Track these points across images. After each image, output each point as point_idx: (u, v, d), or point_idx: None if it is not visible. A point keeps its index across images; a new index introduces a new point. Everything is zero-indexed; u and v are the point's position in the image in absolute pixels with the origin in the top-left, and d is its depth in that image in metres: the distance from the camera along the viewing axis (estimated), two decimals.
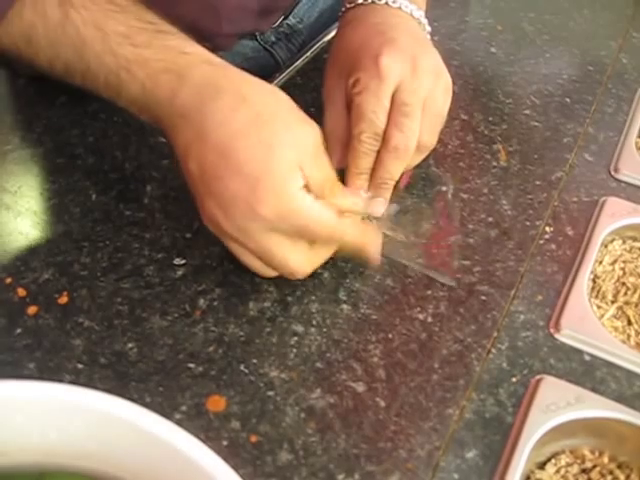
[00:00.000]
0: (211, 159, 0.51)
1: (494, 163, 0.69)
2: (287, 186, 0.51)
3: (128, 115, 0.72)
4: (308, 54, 0.84)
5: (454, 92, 0.76)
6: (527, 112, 0.76)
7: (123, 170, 0.68)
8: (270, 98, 0.54)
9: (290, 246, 0.53)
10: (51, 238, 0.62)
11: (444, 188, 0.66)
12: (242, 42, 0.84)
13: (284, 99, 0.54)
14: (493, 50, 0.86)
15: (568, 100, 0.78)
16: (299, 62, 0.82)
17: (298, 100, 0.55)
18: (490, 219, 0.64)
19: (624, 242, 0.66)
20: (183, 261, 0.60)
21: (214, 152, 0.51)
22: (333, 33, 0.79)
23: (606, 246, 0.65)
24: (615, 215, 0.66)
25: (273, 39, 0.87)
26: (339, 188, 0.55)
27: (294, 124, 0.53)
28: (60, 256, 0.60)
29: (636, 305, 0.61)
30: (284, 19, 0.87)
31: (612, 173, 0.70)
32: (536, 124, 0.75)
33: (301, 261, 0.54)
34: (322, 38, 0.86)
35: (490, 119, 0.75)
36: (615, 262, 0.64)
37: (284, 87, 0.56)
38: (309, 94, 0.75)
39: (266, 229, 0.51)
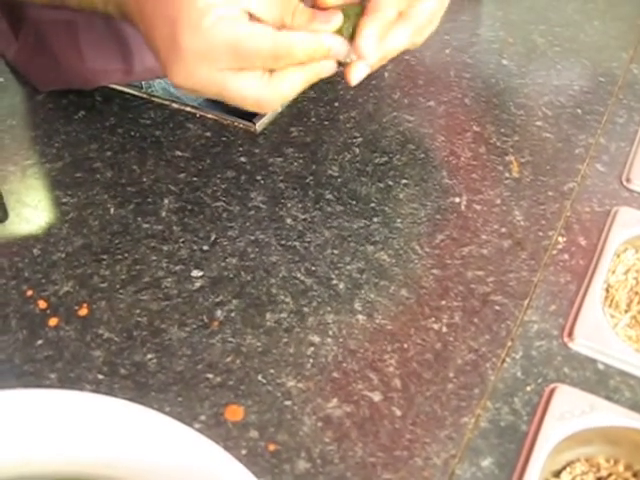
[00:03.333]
0: (150, 17, 0.53)
1: (506, 174, 0.70)
2: (203, 18, 0.50)
3: (145, 129, 0.74)
4: None
5: (466, 104, 0.77)
6: (539, 123, 0.77)
7: (141, 184, 0.69)
8: None
9: (242, 79, 0.52)
10: (71, 251, 0.63)
11: (457, 200, 0.67)
12: None
13: None
14: (504, 62, 0.86)
15: (579, 111, 0.79)
16: None
17: None
18: (503, 230, 0.65)
19: (637, 251, 0.66)
20: (200, 273, 0.60)
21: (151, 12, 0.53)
22: None
23: (619, 256, 0.65)
24: (627, 225, 0.66)
25: None
26: (306, 13, 0.53)
27: None
28: (80, 269, 0.61)
29: None
30: None
31: (624, 183, 0.71)
32: (548, 135, 0.75)
33: (263, 92, 0.53)
34: None
35: (502, 131, 0.75)
36: (628, 271, 0.64)
37: None
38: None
39: (205, 68, 0.51)
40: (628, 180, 0.71)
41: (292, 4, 0.52)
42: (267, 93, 0.53)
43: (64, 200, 0.68)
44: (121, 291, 0.59)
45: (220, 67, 0.51)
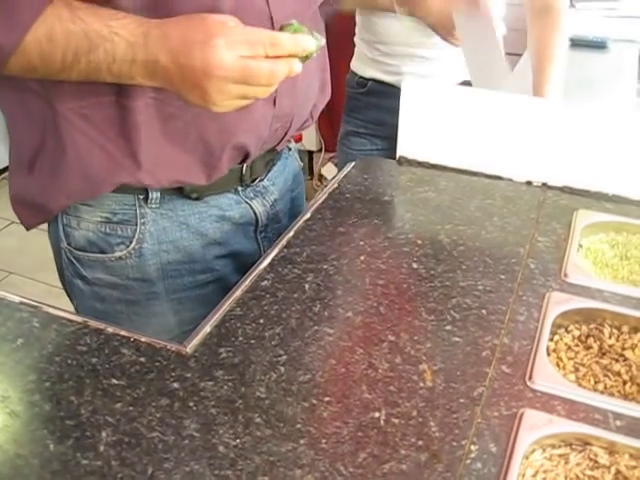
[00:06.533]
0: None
1: (421, 384, 0.76)
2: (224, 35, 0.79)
3: (81, 357, 0.79)
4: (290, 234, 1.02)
5: (381, 313, 0.84)
6: (448, 328, 0.84)
7: (79, 416, 0.73)
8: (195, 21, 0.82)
9: (256, 60, 0.80)
10: None
11: (377, 414, 0.72)
12: (227, 195, 1.06)
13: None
14: (415, 266, 0.95)
15: (484, 312, 0.87)
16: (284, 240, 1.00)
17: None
18: (420, 442, 0.70)
19: (544, 450, 0.72)
20: None
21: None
22: (305, 216, 1.05)
23: (527, 457, 0.71)
24: (533, 427, 0.72)
25: (252, 195, 1.09)
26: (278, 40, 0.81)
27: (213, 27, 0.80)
28: None
29: None
30: (260, 181, 1.10)
31: (527, 383, 0.77)
32: (457, 339, 0.82)
33: (273, 66, 0.81)
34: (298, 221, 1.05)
35: (415, 338, 0.82)
36: (537, 473, 0.70)
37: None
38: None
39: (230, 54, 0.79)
40: (531, 379, 0.78)
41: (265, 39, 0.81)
42: (275, 67, 0.80)
43: (4, 439, 0.71)
44: None
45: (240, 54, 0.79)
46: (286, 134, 1.08)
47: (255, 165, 1.07)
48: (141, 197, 0.99)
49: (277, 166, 1.15)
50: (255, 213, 1.09)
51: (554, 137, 1.15)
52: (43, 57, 0.81)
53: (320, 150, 3.23)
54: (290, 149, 1.21)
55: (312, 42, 0.83)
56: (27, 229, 1.04)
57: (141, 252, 1.01)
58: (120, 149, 0.92)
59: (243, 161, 1.04)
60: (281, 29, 0.84)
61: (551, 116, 1.15)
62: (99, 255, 1.02)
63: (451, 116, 1.19)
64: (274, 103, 1.00)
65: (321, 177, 3.18)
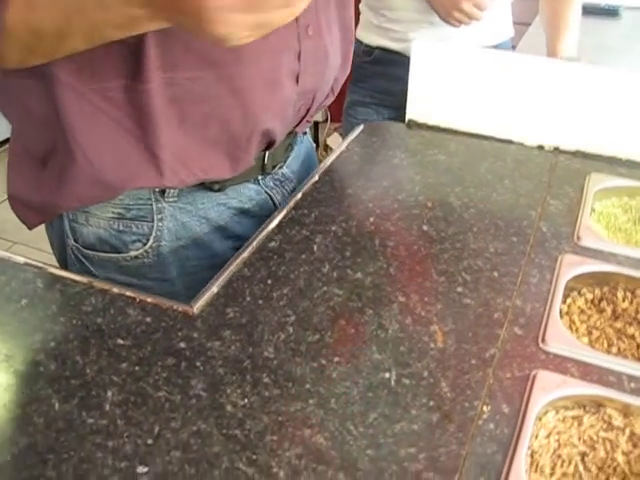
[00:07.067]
0: None
1: (432, 345, 0.75)
2: None
3: (86, 317, 0.78)
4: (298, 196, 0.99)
5: (391, 274, 0.83)
6: (459, 289, 0.83)
7: (84, 376, 0.71)
8: None
9: None
10: (16, 453, 0.64)
11: (387, 375, 0.71)
12: (247, 185, 0.98)
13: None
14: (425, 228, 0.93)
15: (496, 274, 0.85)
16: (292, 202, 0.99)
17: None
18: (431, 403, 0.69)
19: (557, 412, 0.71)
20: (145, 469, 0.63)
21: None
22: (314, 179, 1.02)
23: (540, 419, 0.70)
24: (546, 388, 0.71)
25: (271, 184, 1.02)
26: None
27: None
28: (26, 471, 0.63)
29: (573, 475, 0.66)
30: (279, 168, 1.03)
31: (540, 345, 0.76)
32: (468, 301, 0.81)
33: None
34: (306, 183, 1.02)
35: (426, 299, 0.81)
36: (550, 434, 0.69)
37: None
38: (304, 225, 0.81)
39: None
40: (544, 341, 0.76)
41: None
42: None
43: (8, 397, 0.70)
44: None
45: None
46: (307, 112, 1.00)
47: (277, 151, 1.00)
48: (157, 191, 0.91)
49: (294, 151, 1.07)
50: (275, 204, 1.03)
51: (567, 100, 1.13)
52: (31, 28, 0.68)
53: (326, 120, 3.21)
54: (305, 132, 1.13)
55: None
56: (30, 229, 0.95)
57: (159, 250, 0.93)
58: (136, 151, 0.83)
59: (267, 148, 0.96)
60: None
61: (564, 79, 1.12)
62: (112, 255, 0.93)
63: (462, 79, 1.17)
64: (297, 80, 0.91)
65: (327, 147, 3.16)
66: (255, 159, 0.95)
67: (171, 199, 0.92)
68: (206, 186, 0.93)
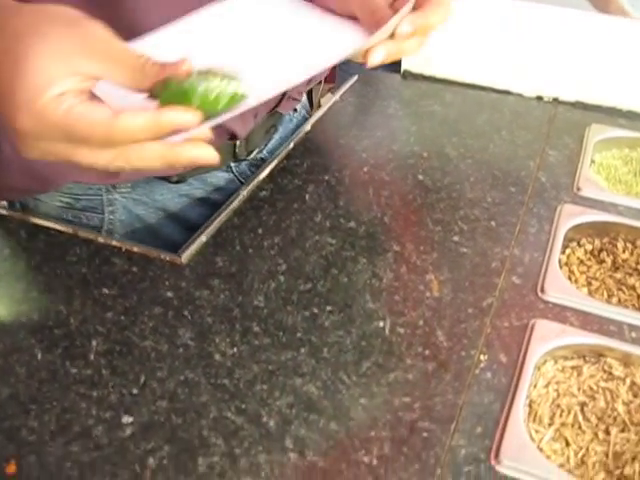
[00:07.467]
0: None
1: (427, 294, 0.72)
2: (36, 99, 0.49)
3: (71, 267, 0.75)
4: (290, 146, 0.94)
5: (385, 223, 0.80)
6: (456, 239, 0.80)
7: (68, 325, 0.69)
8: (30, 17, 0.52)
9: (86, 150, 0.52)
10: None
11: (382, 324, 0.69)
12: (216, 174, 0.90)
13: (50, 12, 0.52)
14: (420, 177, 0.90)
15: (493, 223, 0.83)
16: (283, 152, 0.93)
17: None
18: (427, 352, 0.67)
19: (556, 362, 0.69)
20: (131, 419, 0.60)
21: None
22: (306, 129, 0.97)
23: (539, 368, 0.68)
24: (545, 338, 0.69)
25: (247, 171, 0.94)
26: (155, 67, 0.52)
27: (53, 33, 0.51)
28: (7, 421, 0.61)
29: (572, 425, 0.64)
30: (258, 153, 0.94)
31: (539, 294, 0.74)
32: (465, 250, 0.79)
33: (112, 162, 0.52)
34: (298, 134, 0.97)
35: (421, 248, 0.78)
36: (549, 384, 0.67)
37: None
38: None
39: (43, 144, 0.51)
40: (543, 291, 0.74)
41: (140, 61, 0.52)
42: (116, 162, 0.53)
43: None
44: (50, 443, 0.59)
45: (58, 143, 0.51)
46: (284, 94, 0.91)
47: (253, 135, 0.90)
48: None
49: (279, 132, 0.99)
50: None
51: (566, 50, 1.10)
52: None
53: (319, 82, 3.15)
54: (296, 110, 1.03)
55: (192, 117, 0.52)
56: None
57: None
58: None
59: (232, 139, 0.88)
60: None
61: (564, 27, 1.09)
62: None
63: (458, 28, 1.13)
64: None
65: (320, 108, 3.11)
66: (220, 150, 0.86)
67: (124, 190, 0.86)
68: (163, 177, 0.87)
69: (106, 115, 0.50)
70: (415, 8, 0.63)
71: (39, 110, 0.50)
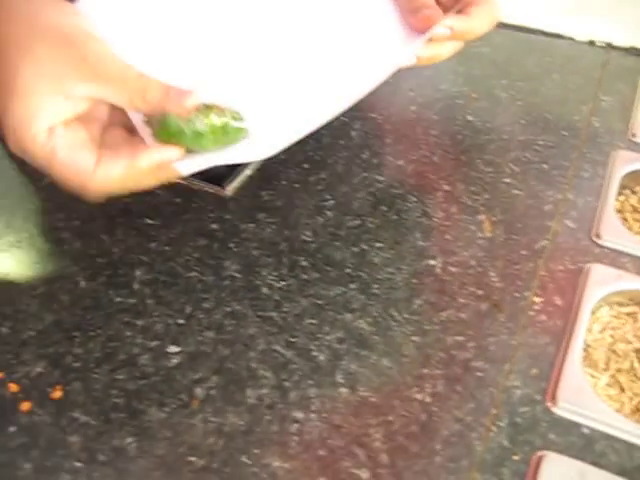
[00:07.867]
0: None
1: (479, 234, 0.70)
2: (24, 129, 0.48)
3: (112, 197, 0.73)
4: None
5: (435, 162, 0.78)
6: (507, 180, 0.77)
7: (111, 254, 0.68)
8: (23, 28, 0.49)
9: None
10: (42, 329, 0.61)
11: (433, 262, 0.67)
12: None
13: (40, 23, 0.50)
14: (470, 118, 0.87)
15: (546, 166, 0.80)
16: None
17: None
18: (480, 292, 0.64)
19: (611, 308, 0.67)
20: (177, 349, 0.59)
21: None
22: None
23: (594, 313, 0.66)
24: (600, 282, 0.66)
25: None
26: (159, 90, 0.49)
27: (44, 53, 0.48)
28: (51, 347, 0.60)
29: (628, 372, 0.62)
30: None
31: (594, 239, 0.71)
32: (517, 192, 0.76)
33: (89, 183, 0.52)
34: None
35: (472, 189, 0.76)
36: (604, 330, 0.65)
37: None
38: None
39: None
40: (597, 236, 0.72)
41: (140, 84, 0.49)
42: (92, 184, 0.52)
43: (32, 274, 0.66)
44: (96, 370, 0.58)
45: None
46: None
47: None
48: None
49: None
50: None
51: None
52: None
53: None
54: None
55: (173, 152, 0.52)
56: None
57: None
58: None
59: None
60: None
61: None
62: None
63: None
64: None
65: None
66: None
67: None
68: None
69: (88, 164, 0.50)
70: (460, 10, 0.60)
71: (27, 142, 0.49)
